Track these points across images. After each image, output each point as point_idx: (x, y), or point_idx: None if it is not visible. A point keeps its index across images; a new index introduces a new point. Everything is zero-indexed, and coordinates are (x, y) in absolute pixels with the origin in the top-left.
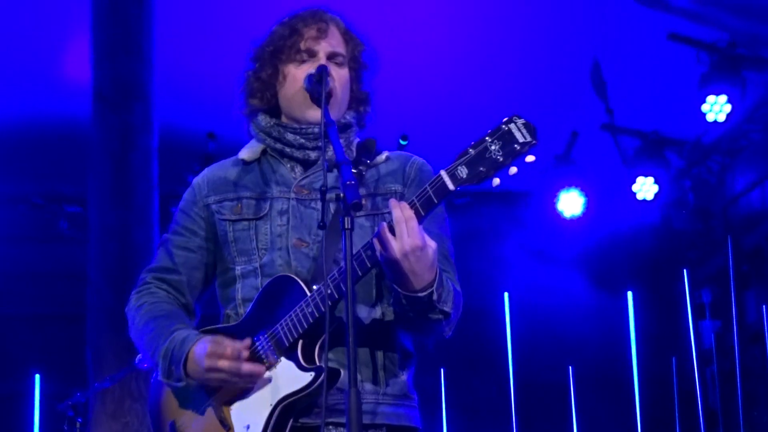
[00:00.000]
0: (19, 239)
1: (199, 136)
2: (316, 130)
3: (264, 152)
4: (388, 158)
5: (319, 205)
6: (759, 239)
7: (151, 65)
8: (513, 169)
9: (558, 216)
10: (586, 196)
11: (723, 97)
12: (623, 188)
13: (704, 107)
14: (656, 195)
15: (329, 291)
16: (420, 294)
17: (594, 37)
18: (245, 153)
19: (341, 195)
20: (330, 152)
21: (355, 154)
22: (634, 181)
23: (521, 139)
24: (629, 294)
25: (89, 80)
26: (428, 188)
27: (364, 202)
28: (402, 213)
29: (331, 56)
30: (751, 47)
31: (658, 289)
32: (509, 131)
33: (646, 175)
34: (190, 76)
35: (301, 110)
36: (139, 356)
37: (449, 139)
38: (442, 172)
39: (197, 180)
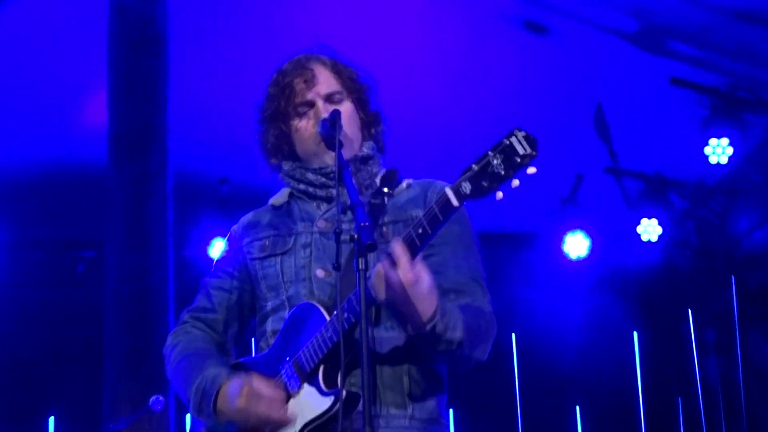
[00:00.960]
0: (37, 283)
1: (212, 180)
2: (335, 169)
3: (291, 195)
4: (409, 185)
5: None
6: (762, 279)
7: (165, 111)
8: (515, 182)
9: (564, 258)
10: (591, 237)
11: (725, 140)
12: (628, 230)
13: (707, 150)
14: (660, 236)
15: (345, 315)
16: (422, 330)
17: (597, 82)
18: (274, 199)
19: (355, 236)
20: (344, 195)
21: (378, 184)
22: (638, 223)
23: (522, 152)
24: (635, 334)
25: (105, 126)
26: (434, 206)
27: (385, 230)
28: (395, 250)
29: (328, 98)
30: (752, 91)
31: (663, 329)
32: (510, 144)
33: (650, 217)
34: (204, 122)
35: (318, 157)
36: (153, 398)
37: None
38: (447, 189)
39: (234, 227)
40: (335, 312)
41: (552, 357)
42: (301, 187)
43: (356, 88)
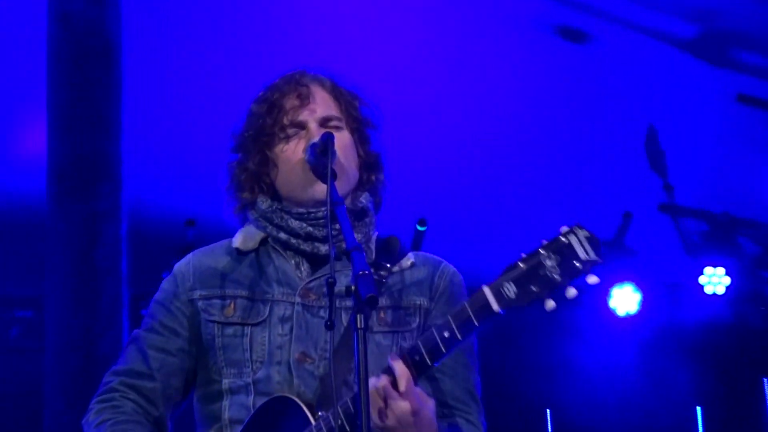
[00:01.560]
0: None
1: (176, 223)
2: (326, 214)
3: (264, 241)
4: (413, 264)
5: (327, 313)
6: None
7: (119, 138)
8: (572, 291)
9: (610, 315)
10: (643, 290)
11: None
12: (687, 281)
13: None
14: (728, 288)
15: (340, 422)
16: None
17: (648, 100)
18: (240, 240)
19: (353, 288)
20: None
21: (374, 254)
22: (701, 273)
23: (583, 257)
24: (698, 410)
25: (44, 156)
26: (467, 307)
27: (382, 315)
28: (397, 368)
29: (323, 122)
30: None
31: (732, 402)
32: (569, 245)
33: (715, 265)
34: (166, 151)
35: (303, 188)
36: None
37: (475, 225)
38: (485, 289)
39: (180, 267)
40: (322, 414)
41: None
42: (282, 236)
43: (357, 119)
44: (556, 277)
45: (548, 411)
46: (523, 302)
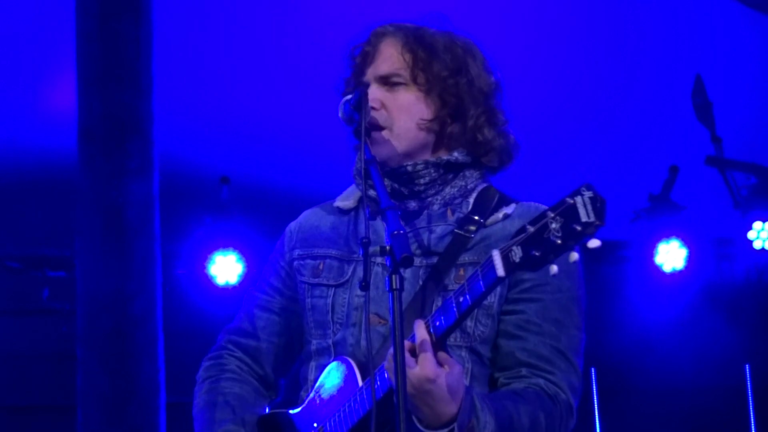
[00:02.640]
0: None
1: (210, 180)
2: (409, 168)
3: (361, 199)
4: (507, 215)
5: (408, 273)
6: None
7: (150, 96)
8: (573, 255)
9: (656, 271)
10: (689, 246)
11: None
12: (736, 236)
13: None
14: None
15: (377, 384)
16: (441, 431)
17: (695, 47)
18: (341, 200)
19: (388, 248)
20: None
21: (471, 207)
22: (749, 228)
23: (584, 218)
24: (747, 367)
25: (74, 113)
26: (479, 271)
27: (462, 272)
28: (417, 332)
29: (383, 80)
30: None
31: None
32: (573, 206)
33: (764, 220)
34: (199, 106)
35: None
36: None
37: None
38: (495, 253)
39: (290, 226)
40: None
41: (643, 396)
42: (371, 193)
43: (431, 77)
44: (557, 240)
45: (593, 369)
46: (526, 267)
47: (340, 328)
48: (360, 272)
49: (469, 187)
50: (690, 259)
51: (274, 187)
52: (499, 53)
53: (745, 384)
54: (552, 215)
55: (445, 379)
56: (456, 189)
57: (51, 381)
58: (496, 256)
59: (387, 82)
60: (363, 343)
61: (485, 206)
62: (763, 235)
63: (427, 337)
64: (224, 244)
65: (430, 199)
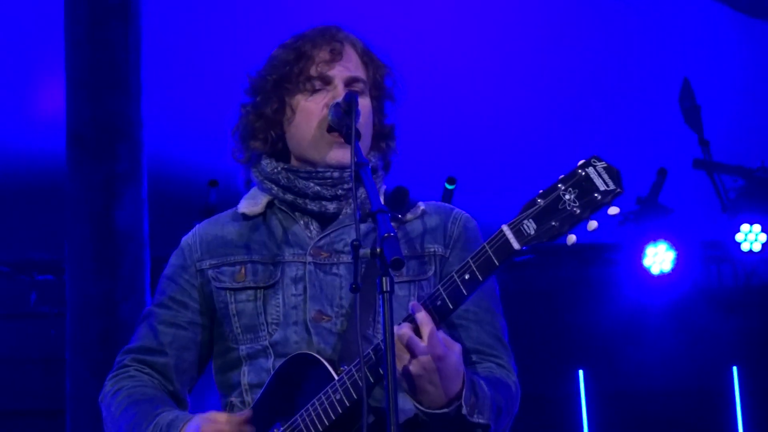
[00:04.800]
0: None
1: (199, 184)
2: (335, 174)
3: (270, 204)
4: (424, 212)
5: (342, 270)
6: None
7: (138, 100)
8: (593, 224)
9: (644, 274)
10: (677, 249)
11: None
12: (723, 239)
13: None
14: (764, 246)
15: (364, 370)
16: (445, 410)
17: (684, 51)
18: (246, 206)
19: (378, 250)
20: (362, 196)
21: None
22: (737, 230)
23: (602, 187)
24: (734, 369)
25: (62, 119)
26: (487, 247)
27: None
28: (418, 315)
29: (349, 82)
30: None
31: None
32: (587, 177)
33: (751, 223)
34: (187, 111)
35: (318, 151)
36: None
37: (505, 183)
38: (505, 228)
39: (187, 240)
40: (345, 368)
41: (630, 398)
42: (288, 197)
43: (381, 88)
44: (576, 210)
45: (581, 372)
46: (543, 238)
47: (277, 329)
48: (290, 272)
49: (378, 187)
50: (678, 262)
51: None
52: (487, 57)
53: (733, 386)
54: (563, 187)
55: (454, 357)
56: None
57: (39, 385)
58: (508, 231)
59: (354, 85)
60: (315, 338)
61: (400, 204)
62: (750, 237)
63: (428, 316)
64: None
65: (348, 200)
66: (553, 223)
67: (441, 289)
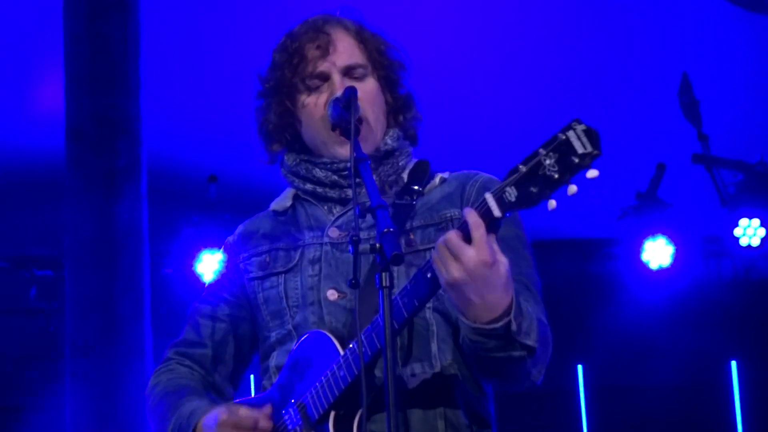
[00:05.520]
0: None
1: (198, 179)
2: (349, 164)
3: (297, 197)
4: (443, 180)
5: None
6: None
7: (137, 95)
8: (572, 188)
9: (643, 269)
10: (676, 244)
11: None
12: (722, 233)
13: None
14: (763, 240)
15: (364, 348)
16: (494, 325)
17: (683, 45)
18: (276, 203)
19: (378, 246)
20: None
21: (406, 180)
22: (736, 225)
23: (581, 150)
24: (733, 364)
25: (62, 113)
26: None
27: (412, 236)
28: (470, 218)
29: (346, 71)
30: None
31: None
32: (567, 140)
33: (750, 217)
34: (186, 107)
35: (327, 148)
36: None
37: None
38: (487, 196)
39: (229, 239)
40: (351, 344)
41: (629, 392)
42: (308, 187)
43: (384, 64)
44: (554, 174)
45: (580, 366)
46: (523, 205)
47: (298, 311)
48: (308, 254)
49: (400, 164)
50: (677, 257)
51: (262, 185)
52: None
53: (731, 381)
54: (544, 152)
55: (504, 266)
56: (388, 166)
57: (39, 380)
58: (490, 199)
59: (352, 73)
60: (327, 317)
61: (420, 178)
62: (749, 232)
63: (480, 220)
64: (212, 243)
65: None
66: (533, 189)
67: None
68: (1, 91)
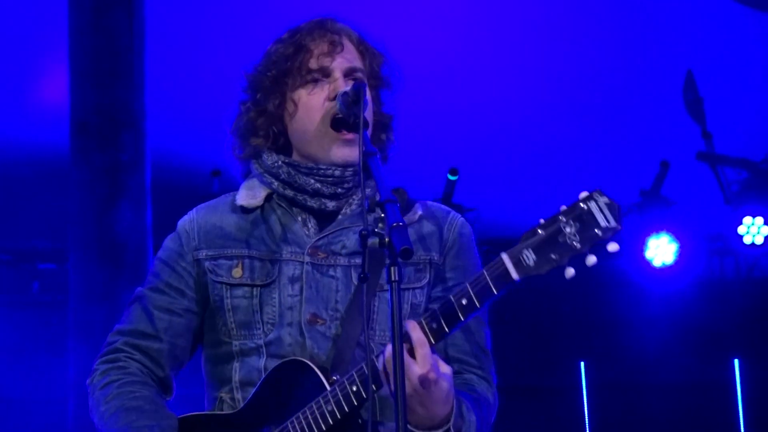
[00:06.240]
0: None
1: (202, 173)
2: (337, 172)
3: (269, 198)
4: (421, 218)
5: (339, 272)
6: None
7: (142, 89)
8: (591, 258)
9: (646, 266)
10: (679, 241)
11: None
12: (726, 231)
13: None
14: (767, 239)
15: (355, 388)
16: None
17: (687, 43)
18: (244, 198)
19: (386, 240)
20: (369, 189)
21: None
22: (739, 223)
23: (603, 224)
24: (736, 362)
25: (67, 107)
26: (485, 274)
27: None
28: (413, 336)
29: (349, 72)
30: None
31: None
32: (589, 211)
33: (754, 215)
34: (190, 101)
35: (322, 147)
36: None
37: (508, 174)
38: (504, 256)
39: (184, 225)
40: (336, 379)
41: (632, 390)
42: (288, 193)
43: (378, 77)
44: (576, 244)
45: (582, 363)
46: (542, 270)
47: (273, 329)
48: (287, 271)
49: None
50: (680, 254)
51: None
52: (491, 49)
53: (734, 378)
54: (564, 219)
55: (446, 382)
56: (369, 189)
57: (42, 373)
58: (507, 261)
59: (353, 75)
60: (308, 342)
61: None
62: (753, 230)
63: (424, 338)
64: None
65: (347, 199)
66: (553, 256)
67: (438, 312)
68: (7, 84)
